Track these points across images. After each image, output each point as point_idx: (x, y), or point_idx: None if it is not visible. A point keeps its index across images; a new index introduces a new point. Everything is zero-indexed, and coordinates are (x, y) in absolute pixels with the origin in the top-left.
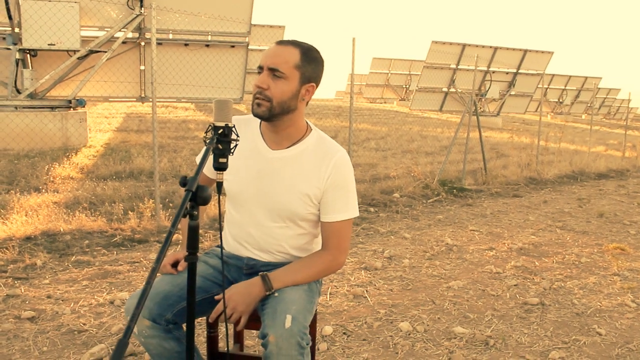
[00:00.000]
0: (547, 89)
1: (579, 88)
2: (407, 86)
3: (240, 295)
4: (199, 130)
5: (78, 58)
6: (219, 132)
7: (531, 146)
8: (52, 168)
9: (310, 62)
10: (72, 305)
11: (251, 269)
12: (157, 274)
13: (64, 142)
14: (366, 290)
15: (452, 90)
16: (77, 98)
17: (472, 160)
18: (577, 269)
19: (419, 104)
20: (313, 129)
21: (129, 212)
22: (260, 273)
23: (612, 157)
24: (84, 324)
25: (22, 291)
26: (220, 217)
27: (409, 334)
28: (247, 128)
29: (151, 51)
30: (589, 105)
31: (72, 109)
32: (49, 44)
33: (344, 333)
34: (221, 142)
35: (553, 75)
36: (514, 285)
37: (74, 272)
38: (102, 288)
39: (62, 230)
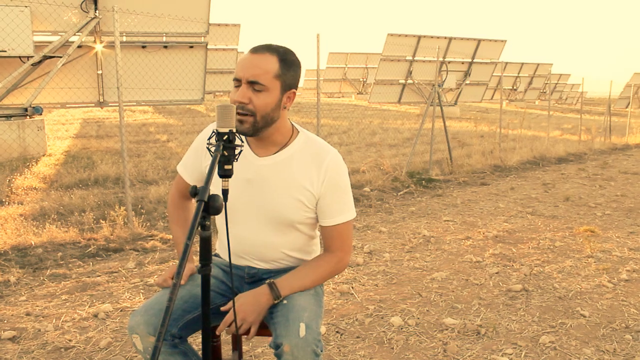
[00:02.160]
0: (501, 76)
1: (532, 75)
2: (365, 79)
3: (249, 305)
4: (159, 133)
5: (32, 64)
6: (224, 138)
7: (491, 134)
8: (13, 179)
9: (289, 68)
10: (54, 322)
11: (252, 277)
12: (159, 289)
13: (22, 151)
14: (352, 287)
15: (410, 81)
16: (33, 106)
17: (435, 150)
18: (553, 254)
19: (377, 97)
20: (300, 130)
21: (101, 221)
22: (267, 281)
23: (569, 141)
24: (70, 340)
25: None
26: (227, 226)
27: (402, 329)
28: None
29: (115, 55)
30: (542, 91)
31: (28, 117)
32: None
33: (337, 332)
34: (226, 148)
35: (506, 63)
36: (496, 273)
37: (51, 287)
38: (83, 301)
39: (32, 243)
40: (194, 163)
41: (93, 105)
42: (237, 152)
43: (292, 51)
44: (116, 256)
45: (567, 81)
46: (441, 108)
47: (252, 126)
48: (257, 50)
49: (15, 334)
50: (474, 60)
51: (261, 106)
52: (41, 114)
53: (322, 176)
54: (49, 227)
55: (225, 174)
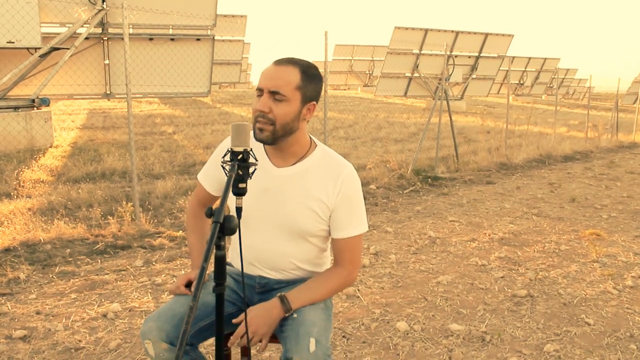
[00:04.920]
0: (508, 71)
1: (539, 69)
2: (371, 72)
3: (260, 318)
4: (165, 125)
5: (40, 56)
6: (239, 157)
7: (497, 130)
8: (20, 172)
9: (310, 81)
10: (64, 321)
11: (263, 287)
12: (171, 295)
13: (29, 143)
14: (358, 290)
15: (416, 75)
16: (40, 97)
17: (441, 146)
18: (558, 258)
19: (383, 90)
20: (318, 144)
21: (108, 217)
22: (278, 294)
23: (575, 138)
24: (80, 341)
25: (9, 308)
26: (240, 242)
27: (407, 334)
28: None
29: (124, 52)
30: (549, 85)
31: (35, 108)
32: (7, 42)
33: (343, 336)
34: (241, 167)
35: (513, 57)
36: (501, 277)
37: (60, 284)
38: (92, 300)
39: (41, 239)
40: (214, 173)
41: (100, 97)
42: (251, 170)
43: (314, 65)
44: (124, 253)
45: (574, 76)
46: (447, 103)
47: (272, 134)
48: (280, 62)
49: (26, 333)
50: (481, 55)
51: (281, 115)
52: (48, 105)
53: (337, 189)
54: (57, 223)
55: (239, 193)
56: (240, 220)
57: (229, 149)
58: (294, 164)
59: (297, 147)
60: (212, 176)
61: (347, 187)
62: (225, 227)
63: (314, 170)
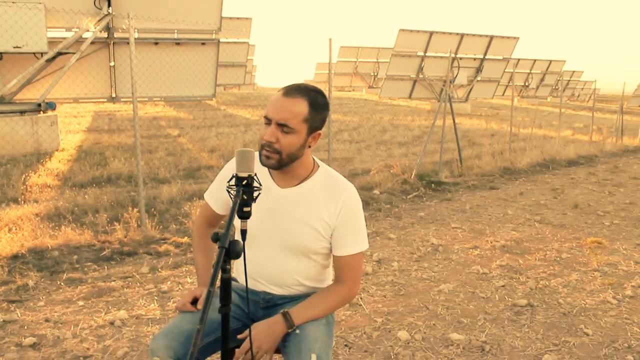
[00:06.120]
0: (513, 73)
1: (544, 71)
2: (375, 74)
3: (264, 334)
4: (170, 128)
5: (46, 60)
6: (243, 182)
7: (501, 132)
8: (27, 176)
9: (318, 111)
10: (72, 329)
11: (267, 302)
12: (177, 312)
13: (35, 147)
14: (360, 298)
15: (421, 77)
16: (46, 101)
17: (445, 149)
18: (559, 266)
19: (388, 92)
20: (320, 165)
21: (114, 223)
22: (281, 311)
23: (579, 142)
24: (88, 349)
25: (19, 315)
26: (245, 263)
27: (408, 343)
28: (255, 167)
29: (130, 61)
30: (554, 87)
31: (41, 112)
32: (14, 47)
33: (345, 345)
34: (245, 192)
35: (518, 59)
36: (502, 286)
37: (68, 292)
38: (99, 308)
39: (49, 246)
40: (220, 194)
41: (105, 100)
42: (255, 195)
43: (322, 93)
44: (130, 260)
45: (579, 78)
46: (451, 107)
47: (278, 162)
48: (289, 93)
49: (36, 340)
50: (486, 57)
51: (287, 146)
52: (54, 109)
53: (338, 208)
54: (64, 229)
55: (244, 216)
56: (245, 240)
57: (234, 175)
58: (298, 184)
59: (300, 170)
60: (218, 196)
61: (349, 206)
62: (231, 251)
63: (316, 190)
